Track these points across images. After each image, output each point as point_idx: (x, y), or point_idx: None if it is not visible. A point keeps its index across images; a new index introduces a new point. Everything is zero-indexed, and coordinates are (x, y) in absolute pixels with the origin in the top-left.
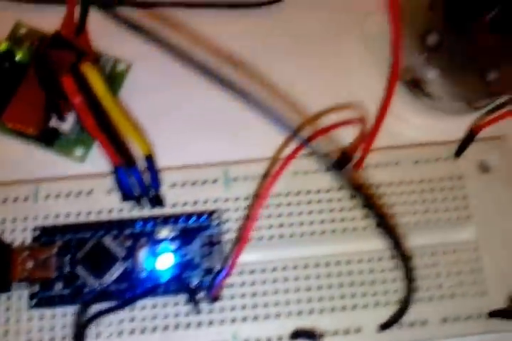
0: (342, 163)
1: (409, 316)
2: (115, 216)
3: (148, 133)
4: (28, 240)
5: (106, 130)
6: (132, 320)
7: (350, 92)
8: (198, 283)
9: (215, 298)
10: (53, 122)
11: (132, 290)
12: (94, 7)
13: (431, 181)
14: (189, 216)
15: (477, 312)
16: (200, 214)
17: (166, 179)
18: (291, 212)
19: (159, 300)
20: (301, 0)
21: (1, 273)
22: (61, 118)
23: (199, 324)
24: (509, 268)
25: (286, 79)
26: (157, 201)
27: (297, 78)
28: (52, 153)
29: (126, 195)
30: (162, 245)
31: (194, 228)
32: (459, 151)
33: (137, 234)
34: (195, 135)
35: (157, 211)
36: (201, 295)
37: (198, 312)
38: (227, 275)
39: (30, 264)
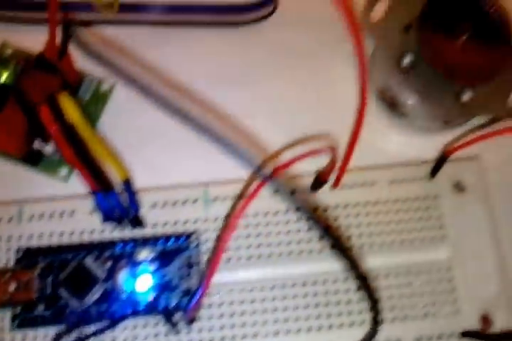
0: (317, 184)
1: (382, 335)
2: (97, 237)
3: (131, 152)
4: (12, 261)
5: (83, 157)
6: (113, 340)
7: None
8: (176, 305)
9: (191, 320)
10: (37, 144)
11: (112, 311)
12: (77, 26)
13: (406, 201)
14: (168, 237)
15: (449, 331)
16: (178, 236)
17: (147, 199)
18: (261, 233)
19: (140, 320)
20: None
21: None
22: (45, 140)
23: None
24: (482, 288)
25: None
26: (137, 222)
27: (279, 103)
28: (36, 173)
29: (107, 217)
30: (141, 266)
31: (173, 250)
32: (434, 172)
33: (117, 256)
34: (178, 154)
35: (138, 231)
36: (179, 316)
37: (177, 332)
38: (201, 296)
39: (12, 287)
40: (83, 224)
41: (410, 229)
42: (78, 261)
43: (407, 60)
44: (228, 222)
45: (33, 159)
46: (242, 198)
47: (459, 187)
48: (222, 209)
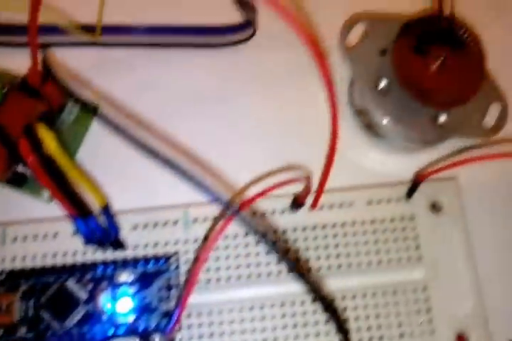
0: (295, 206)
1: None
2: (79, 259)
3: (114, 173)
4: None
5: (61, 184)
6: None
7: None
8: (155, 326)
9: None
10: (20, 168)
11: (93, 333)
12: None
13: (383, 221)
14: (147, 260)
15: None
16: (158, 258)
17: (128, 221)
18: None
19: None
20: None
21: None
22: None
23: None
24: (457, 307)
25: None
26: (118, 245)
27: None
28: (20, 195)
29: (88, 240)
30: (122, 289)
31: (153, 272)
32: (410, 193)
33: (98, 278)
34: (158, 175)
35: (119, 253)
36: (158, 338)
37: None
38: (179, 317)
39: None
40: (66, 245)
41: (387, 249)
42: (60, 283)
43: (383, 83)
44: (203, 245)
45: (17, 181)
46: (222, 219)
47: (435, 208)
48: (201, 230)
